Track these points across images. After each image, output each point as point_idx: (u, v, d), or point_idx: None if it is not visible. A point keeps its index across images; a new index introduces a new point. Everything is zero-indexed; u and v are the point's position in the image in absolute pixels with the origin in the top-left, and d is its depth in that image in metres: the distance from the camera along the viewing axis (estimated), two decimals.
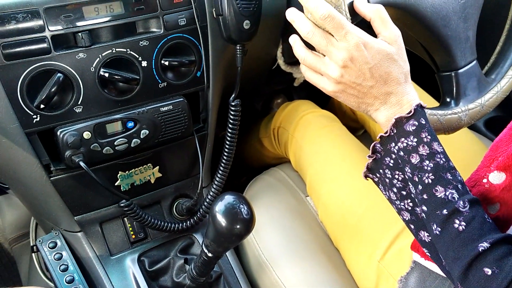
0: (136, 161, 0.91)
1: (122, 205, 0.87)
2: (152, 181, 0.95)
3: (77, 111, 0.80)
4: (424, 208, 0.64)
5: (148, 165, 0.93)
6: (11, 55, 0.72)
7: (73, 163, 0.80)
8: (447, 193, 0.62)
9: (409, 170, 0.65)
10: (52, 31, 0.74)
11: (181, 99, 0.88)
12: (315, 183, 1.05)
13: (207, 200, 0.96)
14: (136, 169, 0.92)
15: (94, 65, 0.78)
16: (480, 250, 0.58)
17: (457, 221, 0.61)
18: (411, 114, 0.65)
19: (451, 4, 0.79)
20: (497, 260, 0.57)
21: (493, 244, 0.58)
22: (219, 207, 0.74)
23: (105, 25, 0.78)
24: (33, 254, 1.08)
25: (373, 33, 0.69)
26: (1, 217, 1.30)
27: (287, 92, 1.62)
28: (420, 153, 0.64)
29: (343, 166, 1.02)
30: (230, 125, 0.92)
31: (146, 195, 0.96)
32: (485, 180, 0.70)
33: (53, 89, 0.75)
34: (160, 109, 0.86)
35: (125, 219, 0.95)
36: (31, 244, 1.15)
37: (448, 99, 0.85)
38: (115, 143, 0.83)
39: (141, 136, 0.85)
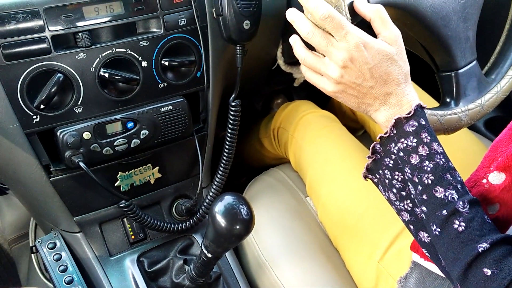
0: (136, 161, 0.91)
1: (121, 205, 0.87)
2: (152, 182, 0.95)
3: (77, 111, 0.80)
4: (424, 208, 0.64)
5: (147, 165, 0.93)
6: (11, 55, 0.72)
7: (72, 163, 0.80)
8: (446, 194, 0.62)
9: (408, 171, 0.65)
10: (52, 31, 0.74)
11: (181, 99, 0.88)
12: (315, 183, 1.05)
13: (207, 200, 0.96)
14: (136, 169, 0.92)
15: (94, 65, 0.78)
16: (480, 250, 0.58)
17: (456, 222, 0.61)
18: (411, 114, 0.65)
19: (451, 4, 0.79)
20: (497, 261, 0.57)
21: (493, 245, 0.58)
22: (219, 207, 0.74)
23: (105, 25, 0.78)
24: (32, 254, 1.08)
25: (373, 33, 0.69)
26: (0, 218, 1.30)
27: (287, 92, 1.62)
28: (420, 153, 0.64)
29: (343, 166, 1.02)
30: (230, 125, 0.92)
31: (145, 195, 0.96)
32: (484, 181, 0.70)
33: (53, 90, 0.75)
34: (160, 109, 0.86)
35: (125, 219, 0.95)
36: (31, 245, 1.15)
37: (448, 99, 0.85)
38: (115, 144, 0.83)
39: (141, 137, 0.85)
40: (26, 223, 1.21)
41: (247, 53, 0.88)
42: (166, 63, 0.85)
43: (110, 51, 0.79)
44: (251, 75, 1.07)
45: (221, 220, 0.73)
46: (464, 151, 1.05)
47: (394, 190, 0.69)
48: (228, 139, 0.93)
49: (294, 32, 0.71)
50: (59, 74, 0.76)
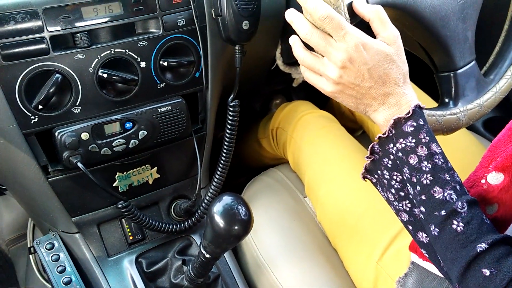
0: (134, 162, 0.91)
1: (119, 206, 0.87)
2: (150, 182, 0.95)
3: (75, 112, 0.80)
4: (422, 209, 0.64)
5: (146, 166, 0.93)
6: (9, 56, 0.72)
7: (71, 164, 0.80)
8: (445, 194, 0.62)
9: (407, 171, 0.65)
10: (51, 31, 0.74)
11: (180, 99, 0.88)
12: (314, 183, 1.05)
13: (205, 201, 0.96)
14: (134, 170, 0.92)
15: (92, 66, 0.78)
16: (478, 251, 0.58)
17: (455, 222, 0.61)
18: (409, 115, 0.65)
19: (450, 4, 0.79)
20: (495, 261, 0.57)
21: (491, 245, 0.58)
22: (217, 208, 0.74)
23: (104, 26, 0.78)
24: (30, 255, 1.08)
25: (372, 34, 0.69)
26: None
27: (286, 92, 1.62)
28: (418, 154, 0.64)
29: (341, 166, 1.02)
30: (228, 126, 0.92)
31: (144, 196, 0.96)
32: (483, 181, 0.70)
33: (51, 90, 0.75)
34: (159, 109, 0.86)
35: (123, 220, 0.95)
36: (29, 246, 1.15)
37: (446, 100, 0.85)
38: (113, 144, 0.83)
39: (140, 137, 0.85)
40: (24, 223, 1.21)
41: (246, 54, 0.88)
42: (165, 64, 0.85)
43: (109, 51, 0.79)
44: (250, 76, 1.07)
45: (220, 221, 0.73)
46: (462, 152, 1.05)
47: (393, 191, 0.69)
48: (227, 139, 0.93)
49: (293, 32, 0.71)
50: (57, 75, 0.75)
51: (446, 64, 0.84)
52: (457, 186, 0.63)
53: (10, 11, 0.71)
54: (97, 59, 0.78)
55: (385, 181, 0.70)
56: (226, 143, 0.93)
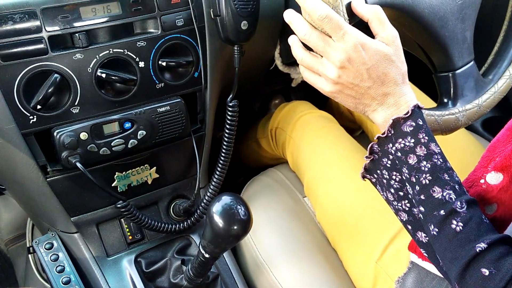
0: (133, 161, 0.91)
1: (119, 206, 0.87)
2: (149, 182, 0.95)
3: (74, 111, 0.80)
4: (422, 208, 0.64)
5: (145, 165, 0.93)
6: (8, 56, 0.72)
7: (69, 164, 0.80)
8: (444, 194, 0.62)
9: (406, 171, 0.65)
10: (49, 31, 0.74)
11: (179, 99, 0.88)
12: (313, 183, 1.05)
13: (204, 201, 0.96)
14: (133, 169, 0.92)
15: (91, 66, 0.78)
16: (478, 250, 0.58)
17: (454, 222, 0.61)
18: (408, 114, 0.65)
19: (449, 5, 0.79)
20: (495, 261, 0.57)
21: (491, 245, 0.58)
22: (216, 208, 0.74)
23: (102, 26, 0.78)
24: (29, 255, 1.07)
25: (370, 34, 0.69)
26: None
27: (285, 92, 1.62)
28: (417, 153, 0.64)
29: (340, 166, 1.02)
30: (227, 126, 0.92)
31: (143, 196, 0.96)
32: (482, 181, 0.70)
33: (50, 90, 0.75)
34: (158, 109, 0.86)
35: (122, 220, 0.95)
36: (28, 245, 1.15)
37: (445, 100, 0.85)
38: (112, 144, 0.83)
39: (138, 137, 0.85)
40: (23, 223, 1.21)
41: (245, 54, 0.88)
42: (164, 64, 0.84)
43: (107, 51, 0.79)
44: (249, 76, 1.07)
45: (219, 221, 0.73)
46: (461, 151, 1.05)
47: (392, 190, 0.69)
48: (226, 139, 0.93)
49: (292, 32, 0.71)
50: (56, 75, 0.75)
51: (444, 64, 0.84)
52: (456, 186, 0.63)
53: (8, 11, 0.70)
54: (95, 59, 0.78)
55: (385, 181, 0.70)
56: (225, 143, 0.93)
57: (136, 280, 0.90)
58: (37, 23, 0.73)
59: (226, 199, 0.75)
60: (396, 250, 0.88)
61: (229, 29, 0.82)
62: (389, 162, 0.68)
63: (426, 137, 0.65)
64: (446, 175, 0.63)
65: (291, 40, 0.72)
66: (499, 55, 0.90)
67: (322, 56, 0.69)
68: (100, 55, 0.78)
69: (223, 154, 0.94)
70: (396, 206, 0.70)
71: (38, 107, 0.76)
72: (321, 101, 1.34)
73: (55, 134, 0.78)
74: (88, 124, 0.80)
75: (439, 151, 0.65)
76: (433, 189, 0.63)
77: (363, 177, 0.73)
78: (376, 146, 0.69)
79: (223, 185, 0.96)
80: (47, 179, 0.84)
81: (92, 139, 0.81)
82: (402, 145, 0.65)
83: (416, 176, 0.64)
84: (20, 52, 0.72)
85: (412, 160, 0.64)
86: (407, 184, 0.66)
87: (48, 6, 0.73)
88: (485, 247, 0.58)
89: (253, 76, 1.15)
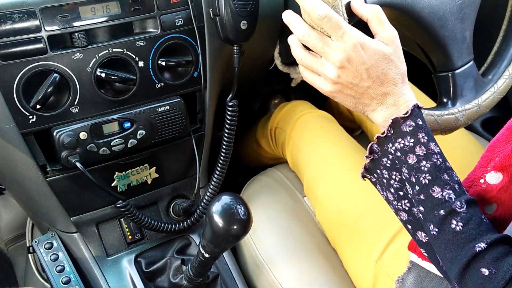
0: (132, 161, 0.91)
1: (118, 205, 0.87)
2: (149, 182, 0.95)
3: (73, 111, 0.80)
4: (421, 208, 0.64)
5: (144, 165, 0.93)
6: (7, 55, 0.72)
7: (69, 163, 0.80)
8: (444, 194, 0.62)
9: (406, 171, 0.65)
10: (48, 31, 0.74)
11: (178, 99, 0.88)
12: (312, 183, 1.05)
13: (204, 200, 0.96)
14: (133, 169, 0.92)
15: (90, 66, 0.78)
16: (477, 250, 0.58)
17: (454, 222, 0.61)
18: (408, 114, 0.65)
19: (448, 4, 0.79)
20: (494, 261, 0.57)
21: (490, 245, 0.58)
22: (216, 207, 0.74)
23: (101, 25, 0.78)
24: (29, 255, 1.07)
25: (370, 34, 0.69)
26: None
27: (284, 92, 1.62)
28: (417, 153, 0.64)
29: (340, 166, 1.02)
30: (227, 126, 0.92)
31: (142, 195, 0.96)
32: (482, 181, 0.70)
33: (49, 90, 0.75)
34: (157, 109, 0.86)
35: (122, 219, 0.95)
36: (27, 245, 1.15)
37: (445, 100, 0.85)
38: (112, 144, 0.83)
39: (138, 137, 0.85)
40: (22, 223, 1.21)
41: (244, 53, 0.88)
42: (163, 63, 0.84)
43: (107, 51, 0.79)
44: (248, 75, 1.07)
45: (219, 220, 0.73)
46: (461, 151, 1.05)
47: (392, 190, 0.69)
48: (225, 139, 0.93)
49: (291, 32, 0.71)
50: (55, 74, 0.75)
51: (444, 64, 0.84)
52: (456, 186, 0.63)
53: (8, 10, 0.70)
54: (95, 59, 0.78)
55: (384, 181, 0.70)
56: (224, 142, 0.93)
57: (136, 279, 0.90)
58: (36, 22, 0.73)
59: (226, 198, 0.75)
60: (396, 250, 0.88)
61: (228, 28, 0.82)
62: (388, 161, 0.68)
63: (426, 137, 0.65)
64: (446, 175, 0.63)
65: (291, 39, 0.72)
66: (498, 55, 0.90)
67: (321, 56, 0.69)
68: (100, 54, 0.78)
69: (222, 154, 0.94)
70: (396, 206, 0.70)
71: (38, 106, 0.76)
72: (321, 101, 1.34)
73: (54, 133, 0.78)
74: (87, 123, 0.80)
75: (438, 150, 0.65)
76: (433, 189, 0.63)
77: (363, 176, 0.73)
78: (376, 146, 0.69)
79: (223, 185, 0.96)
80: (47, 179, 0.84)
81: (91, 138, 0.81)
82: (402, 144, 0.65)
83: (416, 176, 0.64)
84: (19, 52, 0.72)
85: (412, 159, 0.64)
86: (406, 183, 0.66)
87: (47, 5, 0.73)
88: (485, 247, 0.58)
89: (252, 75, 1.15)
